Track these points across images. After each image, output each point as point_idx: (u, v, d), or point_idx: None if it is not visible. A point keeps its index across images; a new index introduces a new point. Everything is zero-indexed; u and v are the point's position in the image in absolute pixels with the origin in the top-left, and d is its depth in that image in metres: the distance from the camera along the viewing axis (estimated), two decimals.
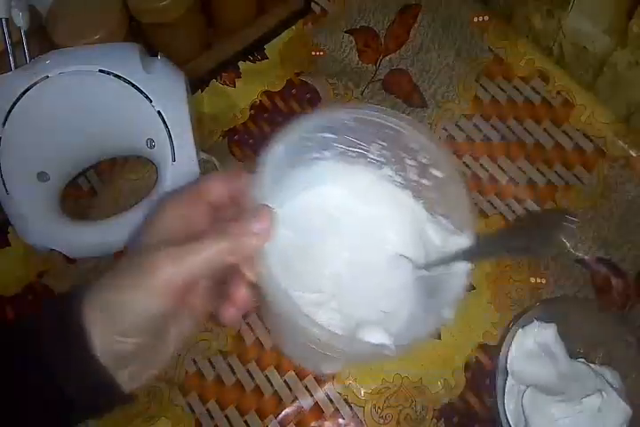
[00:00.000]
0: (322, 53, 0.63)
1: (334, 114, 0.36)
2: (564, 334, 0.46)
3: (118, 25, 0.52)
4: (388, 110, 0.36)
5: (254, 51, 0.62)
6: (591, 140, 0.52)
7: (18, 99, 0.47)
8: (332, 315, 0.37)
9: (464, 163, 0.56)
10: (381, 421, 0.47)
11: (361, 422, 0.47)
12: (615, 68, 0.49)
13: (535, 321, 0.46)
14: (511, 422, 0.43)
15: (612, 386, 0.43)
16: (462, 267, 0.34)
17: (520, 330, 0.45)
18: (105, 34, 0.51)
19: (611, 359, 0.46)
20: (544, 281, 0.51)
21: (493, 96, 0.55)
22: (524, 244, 0.31)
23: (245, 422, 0.47)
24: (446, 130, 0.57)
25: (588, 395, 0.42)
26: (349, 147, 0.39)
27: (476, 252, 0.34)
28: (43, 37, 0.51)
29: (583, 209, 0.52)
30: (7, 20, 0.47)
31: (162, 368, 0.35)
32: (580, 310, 0.47)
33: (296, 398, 0.47)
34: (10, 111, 0.47)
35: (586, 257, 0.51)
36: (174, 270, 0.30)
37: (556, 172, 0.53)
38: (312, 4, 0.64)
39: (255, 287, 0.32)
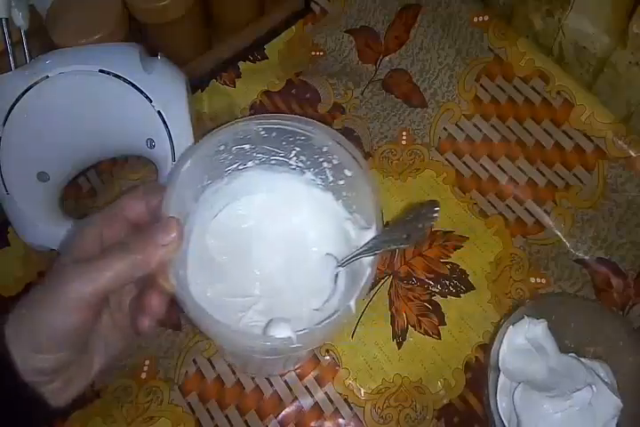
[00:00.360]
0: (322, 53, 0.63)
1: (245, 126, 0.38)
2: (554, 330, 0.46)
3: (118, 25, 0.52)
4: (294, 117, 0.38)
5: (254, 51, 0.63)
6: (591, 141, 0.52)
7: (18, 99, 0.47)
8: (257, 317, 0.38)
9: (464, 163, 0.56)
10: (381, 421, 0.47)
11: (361, 422, 0.47)
12: (615, 68, 0.49)
13: (525, 318, 0.46)
14: (504, 420, 0.43)
15: (602, 380, 0.44)
16: (368, 260, 0.36)
17: (511, 327, 0.45)
18: (105, 34, 0.51)
19: (601, 353, 0.46)
20: (544, 281, 0.51)
21: (493, 96, 0.55)
22: (405, 234, 0.35)
23: (245, 422, 0.47)
24: (446, 130, 0.57)
25: (579, 389, 0.42)
26: (270, 156, 0.41)
27: (374, 245, 0.36)
28: (43, 37, 0.51)
29: (583, 209, 0.52)
30: (7, 20, 0.47)
31: (89, 382, 0.36)
32: (570, 305, 0.47)
33: (296, 398, 0.47)
34: (10, 111, 0.47)
35: (586, 257, 0.51)
36: (82, 287, 0.31)
37: (555, 172, 0.53)
38: (312, 4, 0.64)
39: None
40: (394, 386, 0.48)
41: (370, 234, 0.37)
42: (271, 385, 0.48)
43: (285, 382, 0.48)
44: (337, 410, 0.47)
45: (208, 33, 0.60)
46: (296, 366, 0.48)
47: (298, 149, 0.40)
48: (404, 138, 0.57)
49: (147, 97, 0.48)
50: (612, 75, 0.49)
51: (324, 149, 0.38)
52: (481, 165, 0.55)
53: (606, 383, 0.43)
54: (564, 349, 0.46)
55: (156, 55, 0.52)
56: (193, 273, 0.38)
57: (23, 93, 0.47)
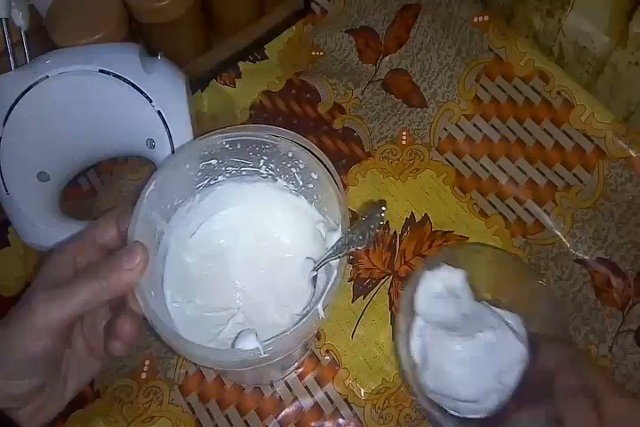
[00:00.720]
0: (322, 53, 0.63)
1: (208, 142, 0.38)
2: (471, 278, 0.46)
3: (118, 25, 0.52)
4: (255, 126, 0.38)
5: (254, 51, 0.63)
6: (591, 141, 0.52)
7: (18, 99, 0.47)
8: (236, 329, 0.38)
9: (464, 163, 0.56)
10: (381, 421, 0.47)
11: (361, 422, 0.47)
12: (615, 68, 0.49)
13: (444, 265, 0.46)
14: (415, 358, 0.43)
15: (511, 328, 0.44)
16: (335, 262, 0.36)
17: (428, 272, 0.46)
18: (105, 34, 0.51)
19: (515, 306, 0.46)
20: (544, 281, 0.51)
21: (493, 96, 0.55)
22: (361, 235, 0.35)
23: (245, 422, 0.47)
24: (446, 130, 0.57)
25: (482, 331, 0.43)
26: (240, 168, 0.41)
27: (338, 248, 0.36)
28: (43, 37, 0.51)
29: (583, 209, 0.52)
30: (7, 20, 0.47)
31: (64, 404, 0.37)
32: (489, 255, 0.47)
33: (296, 398, 0.47)
34: (10, 111, 0.47)
35: (586, 257, 0.51)
36: (49, 314, 0.32)
37: (555, 172, 0.53)
38: (312, 4, 0.64)
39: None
40: (394, 386, 0.48)
41: (337, 235, 0.37)
42: (271, 386, 0.48)
43: (285, 382, 0.48)
44: (337, 410, 0.47)
45: (208, 33, 0.60)
46: (295, 367, 0.48)
47: (265, 157, 0.40)
48: (404, 138, 0.57)
49: (147, 97, 0.48)
50: (612, 75, 0.49)
51: (290, 155, 0.39)
52: (481, 165, 0.55)
53: (515, 332, 0.43)
54: (479, 297, 0.46)
55: (156, 55, 0.52)
56: (172, 292, 0.39)
57: (23, 93, 0.47)
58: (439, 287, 0.46)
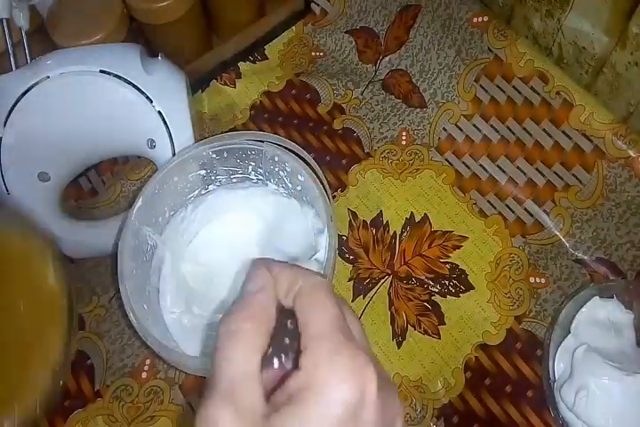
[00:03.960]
0: (322, 54, 0.63)
1: (194, 154, 0.39)
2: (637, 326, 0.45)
3: (118, 25, 0.52)
4: (239, 133, 0.39)
5: (254, 51, 0.63)
6: (590, 141, 0.52)
7: (19, 99, 0.47)
8: None
9: (464, 163, 0.56)
10: None
11: None
12: (614, 69, 0.49)
13: (616, 299, 0.45)
14: (557, 374, 0.43)
15: None
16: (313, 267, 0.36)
17: (598, 298, 0.45)
18: (105, 34, 0.51)
19: None
20: (543, 281, 0.51)
21: (493, 96, 0.56)
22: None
23: None
24: (446, 130, 0.57)
25: None
26: (230, 175, 0.42)
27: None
28: (43, 38, 0.51)
29: (582, 209, 0.52)
30: (8, 20, 0.47)
31: None
32: None
33: None
34: (11, 111, 0.47)
35: (585, 257, 0.51)
36: None
37: (555, 172, 0.53)
38: (312, 4, 0.64)
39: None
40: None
41: (324, 237, 0.37)
42: None
43: None
44: None
45: (208, 33, 0.61)
46: None
47: (253, 163, 0.40)
48: (404, 138, 0.58)
49: (147, 97, 0.49)
50: (612, 75, 0.49)
51: (276, 159, 0.39)
52: (480, 165, 0.55)
53: None
54: None
55: (157, 55, 0.52)
56: (169, 303, 0.39)
57: (24, 94, 0.47)
58: (603, 317, 0.45)
